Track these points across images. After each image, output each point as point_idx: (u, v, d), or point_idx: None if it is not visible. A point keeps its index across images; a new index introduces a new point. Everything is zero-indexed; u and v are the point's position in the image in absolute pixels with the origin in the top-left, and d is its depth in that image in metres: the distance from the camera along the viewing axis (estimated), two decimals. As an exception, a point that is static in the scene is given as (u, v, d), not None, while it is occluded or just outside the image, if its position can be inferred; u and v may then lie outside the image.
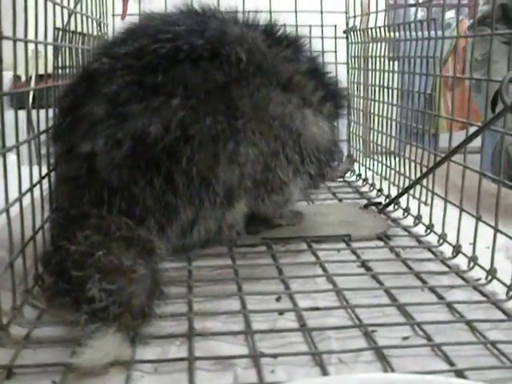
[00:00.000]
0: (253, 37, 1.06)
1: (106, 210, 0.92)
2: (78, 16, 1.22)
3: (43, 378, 0.67)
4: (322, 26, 1.72)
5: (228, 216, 1.03)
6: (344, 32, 1.78)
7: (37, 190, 0.92)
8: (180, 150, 0.94)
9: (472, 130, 0.99)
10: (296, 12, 1.68)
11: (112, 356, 0.68)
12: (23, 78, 0.89)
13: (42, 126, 0.98)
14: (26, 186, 0.86)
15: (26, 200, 0.86)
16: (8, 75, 0.78)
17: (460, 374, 0.67)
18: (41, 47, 0.96)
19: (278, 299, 0.88)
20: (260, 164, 1.02)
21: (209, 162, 0.96)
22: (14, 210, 0.80)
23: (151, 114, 0.93)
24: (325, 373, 0.68)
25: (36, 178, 0.92)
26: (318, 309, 0.84)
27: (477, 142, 1.01)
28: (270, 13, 1.64)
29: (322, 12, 1.71)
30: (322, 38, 1.72)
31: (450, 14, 3.60)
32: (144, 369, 0.69)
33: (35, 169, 0.92)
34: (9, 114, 0.76)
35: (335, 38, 1.76)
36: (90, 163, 0.94)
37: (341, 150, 1.21)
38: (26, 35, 0.85)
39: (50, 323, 0.79)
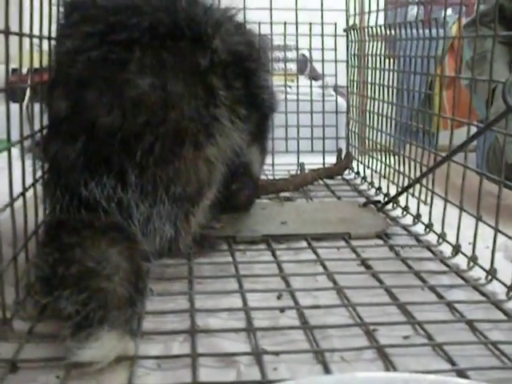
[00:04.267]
0: (227, 32, 1.00)
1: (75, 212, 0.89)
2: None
3: (47, 373, 0.67)
4: (322, 23, 1.72)
5: (193, 214, 0.98)
6: (344, 30, 1.78)
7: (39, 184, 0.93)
8: (137, 141, 0.88)
9: (472, 129, 0.99)
10: (296, 10, 1.69)
11: (114, 353, 0.67)
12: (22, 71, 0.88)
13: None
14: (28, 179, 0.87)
15: (28, 193, 0.86)
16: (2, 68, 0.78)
17: (462, 373, 0.67)
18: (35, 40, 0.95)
19: (279, 297, 0.88)
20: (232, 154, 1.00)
21: (170, 155, 0.91)
22: (17, 204, 0.80)
23: (112, 96, 0.87)
24: (327, 371, 0.68)
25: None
26: (319, 307, 0.84)
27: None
28: (271, 10, 1.65)
29: (322, 10, 1.71)
30: (322, 35, 1.72)
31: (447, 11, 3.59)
32: (147, 365, 0.69)
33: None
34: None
35: (335, 36, 1.75)
36: (55, 166, 0.92)
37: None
38: (31, 30, 0.86)
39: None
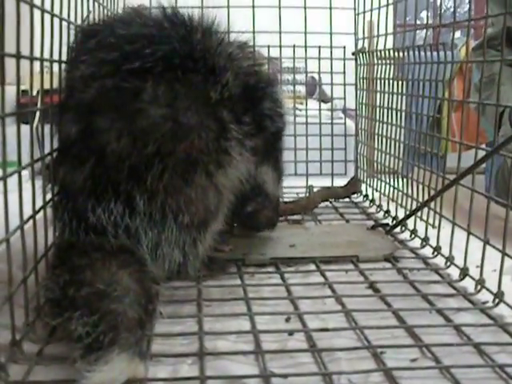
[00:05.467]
0: (239, 65, 1.03)
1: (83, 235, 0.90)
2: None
3: (56, 395, 0.67)
4: (331, 47, 1.73)
5: (200, 241, 0.98)
6: (353, 54, 1.79)
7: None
8: (147, 169, 0.89)
9: (480, 152, 1.00)
10: (305, 33, 1.69)
11: (124, 375, 0.67)
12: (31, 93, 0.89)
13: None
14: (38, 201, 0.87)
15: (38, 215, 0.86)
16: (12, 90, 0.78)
17: (469, 397, 0.67)
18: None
19: (287, 319, 0.89)
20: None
21: (180, 183, 0.91)
22: (26, 226, 0.80)
23: (124, 123, 0.88)
24: (335, 393, 0.68)
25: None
26: (327, 330, 0.84)
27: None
28: (280, 33, 1.66)
29: (331, 33, 1.72)
30: (331, 58, 1.73)
31: (455, 34, 3.61)
32: (156, 387, 0.69)
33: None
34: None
35: (344, 59, 1.77)
36: (63, 189, 0.92)
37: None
38: (42, 54, 0.86)
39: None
